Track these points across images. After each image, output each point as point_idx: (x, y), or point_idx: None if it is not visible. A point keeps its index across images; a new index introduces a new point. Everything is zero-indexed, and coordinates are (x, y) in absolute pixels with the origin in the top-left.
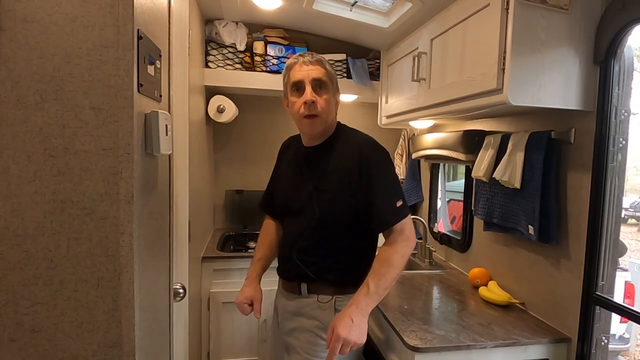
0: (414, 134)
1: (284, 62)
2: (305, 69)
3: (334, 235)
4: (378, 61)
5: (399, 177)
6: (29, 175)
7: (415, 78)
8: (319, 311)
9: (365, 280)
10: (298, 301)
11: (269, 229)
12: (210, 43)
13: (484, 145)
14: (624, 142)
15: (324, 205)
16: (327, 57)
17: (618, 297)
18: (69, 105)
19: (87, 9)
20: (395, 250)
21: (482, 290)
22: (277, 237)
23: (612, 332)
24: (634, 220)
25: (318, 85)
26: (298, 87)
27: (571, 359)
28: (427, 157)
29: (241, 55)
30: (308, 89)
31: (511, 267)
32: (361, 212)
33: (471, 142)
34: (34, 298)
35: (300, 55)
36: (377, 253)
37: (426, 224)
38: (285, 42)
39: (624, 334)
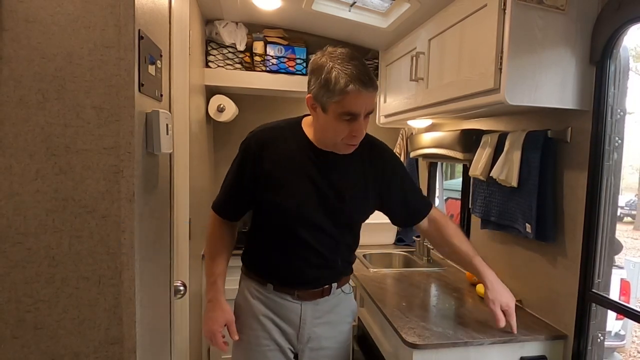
0: (412, 133)
1: (284, 62)
2: (363, 99)
3: (356, 232)
4: (376, 61)
5: None
6: (31, 173)
7: (413, 78)
8: (346, 302)
9: (468, 256)
10: (325, 301)
11: (227, 234)
12: (211, 43)
13: (481, 144)
14: (619, 141)
15: (352, 208)
16: None
17: (614, 295)
18: (71, 105)
19: (88, 10)
20: (456, 226)
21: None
22: (233, 244)
23: (608, 329)
24: (629, 219)
25: (368, 113)
26: (351, 117)
27: (567, 356)
28: (425, 156)
29: (241, 55)
30: (361, 121)
31: (508, 265)
32: (385, 209)
33: (469, 141)
34: (36, 295)
35: (358, 73)
36: (444, 234)
37: None
38: (285, 42)
39: (619, 330)
